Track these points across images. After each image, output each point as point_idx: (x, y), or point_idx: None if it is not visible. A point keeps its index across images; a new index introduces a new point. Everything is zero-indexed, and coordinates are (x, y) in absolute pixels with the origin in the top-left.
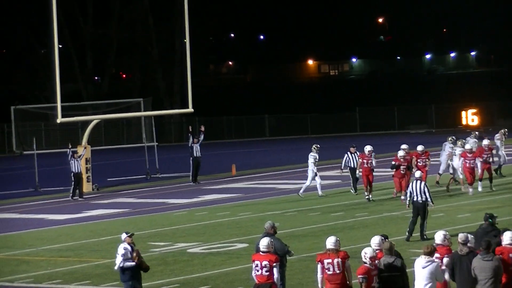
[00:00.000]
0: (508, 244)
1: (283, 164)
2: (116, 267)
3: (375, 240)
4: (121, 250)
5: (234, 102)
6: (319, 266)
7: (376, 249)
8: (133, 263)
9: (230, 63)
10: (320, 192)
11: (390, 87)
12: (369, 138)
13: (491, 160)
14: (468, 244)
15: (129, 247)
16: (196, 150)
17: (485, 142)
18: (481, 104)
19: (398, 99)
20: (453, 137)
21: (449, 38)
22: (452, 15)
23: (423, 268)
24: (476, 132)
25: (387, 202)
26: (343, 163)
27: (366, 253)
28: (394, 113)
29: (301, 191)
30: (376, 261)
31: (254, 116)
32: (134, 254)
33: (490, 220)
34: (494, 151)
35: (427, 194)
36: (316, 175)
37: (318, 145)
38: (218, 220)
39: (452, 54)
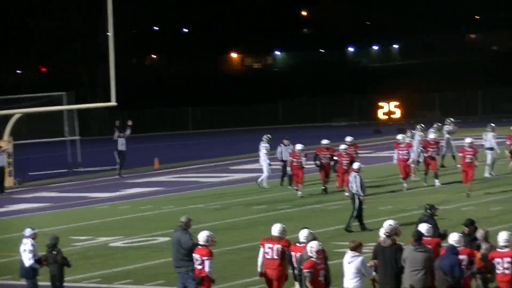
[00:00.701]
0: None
1: (206, 158)
2: (27, 264)
3: (304, 233)
4: (28, 246)
5: (158, 95)
6: (261, 249)
7: (303, 242)
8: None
9: (154, 56)
10: (265, 184)
11: (313, 79)
12: (292, 131)
13: (437, 154)
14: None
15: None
16: (122, 143)
17: (431, 136)
18: (404, 97)
19: (321, 91)
20: (422, 125)
21: (373, 31)
22: (375, 8)
23: (349, 263)
24: (422, 125)
25: (311, 195)
26: (279, 155)
27: (312, 247)
28: (317, 105)
29: (264, 184)
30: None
31: (177, 109)
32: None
33: (429, 210)
34: (442, 144)
35: (356, 186)
36: (269, 165)
37: (269, 135)
38: (141, 214)
39: (375, 47)
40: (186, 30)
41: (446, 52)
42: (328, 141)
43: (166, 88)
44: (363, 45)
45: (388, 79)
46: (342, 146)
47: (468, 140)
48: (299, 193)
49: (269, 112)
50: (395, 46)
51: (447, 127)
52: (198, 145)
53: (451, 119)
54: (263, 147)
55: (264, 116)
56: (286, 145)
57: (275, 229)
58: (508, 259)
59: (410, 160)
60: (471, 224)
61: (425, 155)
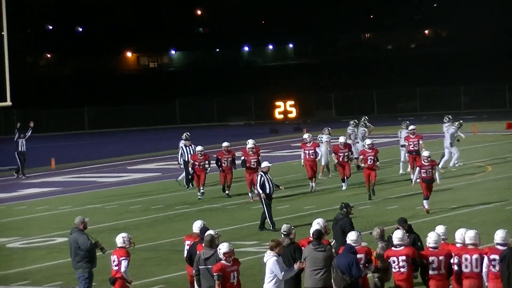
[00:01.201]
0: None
1: (103, 157)
2: None
3: (197, 224)
4: None
5: (53, 95)
6: (185, 245)
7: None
8: None
9: (49, 55)
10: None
11: (210, 79)
12: (189, 130)
13: (352, 156)
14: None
15: None
16: (22, 144)
17: (341, 139)
18: (299, 96)
19: (217, 91)
20: (329, 128)
21: (267, 30)
22: (269, 7)
23: (265, 262)
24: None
25: (208, 195)
26: (179, 156)
27: (220, 249)
28: (214, 105)
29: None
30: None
31: (73, 108)
32: None
33: (345, 209)
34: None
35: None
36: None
37: (189, 133)
38: (38, 214)
39: (271, 46)
40: (81, 29)
41: (342, 51)
42: (228, 143)
43: (61, 88)
44: (258, 44)
45: (283, 78)
46: (249, 145)
47: (368, 141)
48: (199, 194)
49: (166, 112)
50: (290, 45)
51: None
52: (95, 144)
53: (366, 117)
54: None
55: (161, 115)
56: (187, 146)
57: (195, 226)
58: (403, 258)
59: (318, 158)
60: (404, 223)
61: (336, 160)
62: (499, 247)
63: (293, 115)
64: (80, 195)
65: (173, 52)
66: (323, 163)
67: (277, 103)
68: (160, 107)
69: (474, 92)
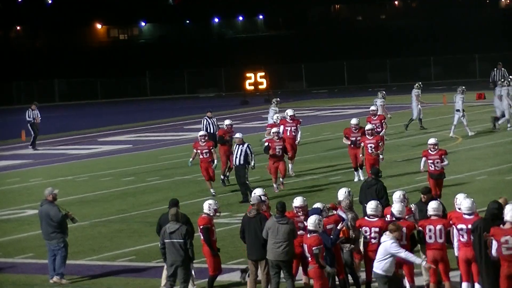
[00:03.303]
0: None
1: (74, 130)
2: None
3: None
4: None
5: (24, 67)
6: None
7: None
8: None
9: (19, 28)
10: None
11: (180, 51)
12: (160, 103)
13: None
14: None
15: None
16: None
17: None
18: (270, 67)
19: (187, 63)
20: (383, 91)
21: (238, 2)
22: None
23: (380, 243)
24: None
25: (179, 166)
26: (203, 128)
27: (211, 204)
28: (184, 77)
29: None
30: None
31: (44, 81)
32: None
33: (377, 174)
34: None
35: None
36: None
37: (278, 99)
38: (9, 187)
39: (241, 18)
40: (50, 2)
41: (312, 23)
42: (231, 121)
43: (32, 60)
44: (228, 16)
45: (254, 50)
46: (227, 122)
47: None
48: (212, 191)
49: (136, 84)
50: (260, 16)
51: (416, 91)
52: (65, 117)
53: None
54: (272, 110)
55: (131, 87)
56: (209, 117)
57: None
58: (376, 229)
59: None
60: (428, 192)
61: (348, 142)
62: (466, 216)
63: (263, 86)
64: (51, 168)
65: (143, 24)
66: (413, 117)
67: (248, 75)
68: (131, 79)
69: (444, 63)
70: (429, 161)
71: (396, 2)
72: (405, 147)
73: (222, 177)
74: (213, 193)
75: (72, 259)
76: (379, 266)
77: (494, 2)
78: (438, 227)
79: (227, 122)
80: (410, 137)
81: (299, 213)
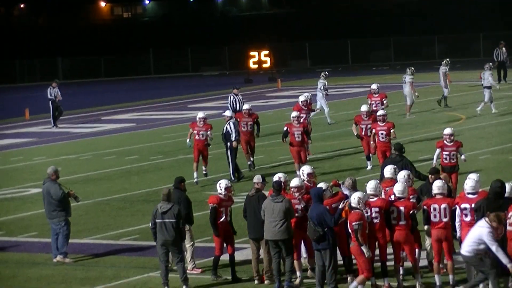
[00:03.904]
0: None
1: (78, 108)
2: None
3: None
4: None
5: (27, 45)
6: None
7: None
8: None
9: (22, 5)
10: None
11: (183, 29)
12: (163, 81)
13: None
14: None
15: None
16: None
17: (364, 108)
18: (273, 46)
19: (191, 41)
20: (412, 67)
21: None
22: None
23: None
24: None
25: (182, 145)
26: (230, 105)
27: (221, 183)
28: (188, 55)
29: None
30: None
31: (47, 59)
32: None
33: (401, 150)
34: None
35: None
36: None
37: (327, 72)
38: (12, 165)
39: None
40: None
41: (316, 1)
42: (249, 105)
43: (35, 38)
44: None
45: (258, 28)
46: (246, 106)
47: (381, 112)
48: (195, 177)
49: (140, 62)
50: None
51: (443, 68)
52: (69, 95)
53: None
54: (320, 82)
55: (135, 66)
56: (236, 95)
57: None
58: (376, 209)
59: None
60: (436, 173)
61: (356, 133)
62: (469, 196)
63: (267, 65)
64: (55, 146)
65: (147, 2)
66: (408, 103)
67: (252, 53)
68: (134, 58)
69: (449, 41)
70: (445, 153)
71: None
72: (409, 126)
73: (248, 162)
74: (196, 180)
75: (75, 238)
76: (469, 248)
77: None
78: (443, 206)
79: (245, 106)
80: (415, 115)
81: (295, 194)
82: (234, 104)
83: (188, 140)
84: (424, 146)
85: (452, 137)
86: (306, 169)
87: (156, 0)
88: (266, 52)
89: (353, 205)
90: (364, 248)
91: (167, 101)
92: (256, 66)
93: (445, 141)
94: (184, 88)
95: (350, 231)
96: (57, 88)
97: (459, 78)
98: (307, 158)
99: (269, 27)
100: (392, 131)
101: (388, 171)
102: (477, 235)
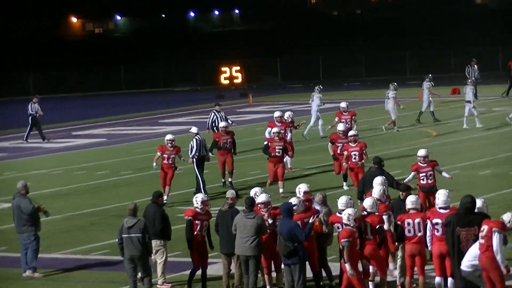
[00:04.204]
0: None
1: (48, 123)
2: None
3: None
4: None
5: None
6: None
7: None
8: None
9: None
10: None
11: (155, 45)
12: (134, 96)
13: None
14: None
15: None
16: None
17: (341, 127)
18: (245, 61)
19: (163, 57)
20: (395, 83)
21: None
22: None
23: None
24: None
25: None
26: (210, 122)
27: (197, 197)
28: (159, 71)
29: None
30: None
31: (18, 73)
32: None
33: (380, 163)
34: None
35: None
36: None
37: (321, 86)
38: None
39: (216, 12)
40: None
41: (288, 17)
42: (226, 123)
43: (5, 52)
44: (204, 10)
45: (229, 44)
46: (222, 124)
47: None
48: (165, 198)
49: (111, 78)
50: (236, 11)
51: (427, 84)
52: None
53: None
54: (316, 97)
55: (106, 81)
56: (218, 111)
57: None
58: None
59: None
60: (407, 189)
61: (332, 153)
62: (441, 210)
63: (238, 80)
64: (25, 161)
65: (118, 17)
66: (393, 118)
67: (223, 69)
68: (105, 73)
69: (420, 57)
70: (421, 174)
71: None
72: (380, 141)
73: (223, 180)
74: (165, 201)
75: (45, 253)
76: (468, 264)
77: None
78: (417, 220)
79: (222, 124)
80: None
81: (262, 210)
82: (216, 121)
83: (154, 164)
84: (395, 161)
85: (426, 159)
86: (302, 187)
87: (128, 16)
88: (238, 67)
89: (344, 221)
90: (347, 266)
91: (138, 117)
92: (227, 81)
93: (419, 163)
94: (155, 103)
95: (340, 247)
96: (37, 103)
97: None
98: (291, 172)
99: (241, 43)
100: (364, 151)
101: (377, 182)
102: (476, 251)
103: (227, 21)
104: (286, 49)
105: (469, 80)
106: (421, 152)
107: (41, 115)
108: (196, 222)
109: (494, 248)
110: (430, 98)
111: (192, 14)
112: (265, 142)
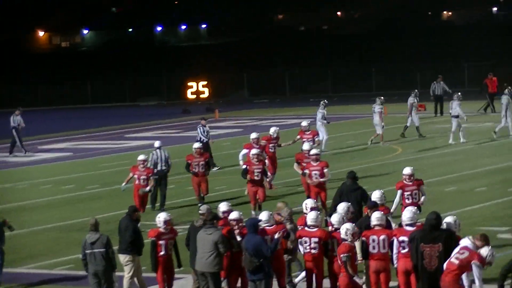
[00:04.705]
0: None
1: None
2: None
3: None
4: None
5: None
6: None
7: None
8: None
9: None
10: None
11: (122, 59)
12: (101, 110)
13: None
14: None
15: None
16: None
17: (306, 147)
18: (212, 76)
19: (129, 71)
20: (381, 97)
21: (180, 11)
22: None
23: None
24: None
25: (119, 175)
26: (200, 135)
27: (160, 217)
28: (126, 85)
29: (322, 147)
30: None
31: None
32: None
33: (355, 177)
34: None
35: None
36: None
37: (326, 101)
38: None
39: (183, 26)
40: None
41: (254, 32)
42: (200, 144)
43: None
44: (171, 24)
45: (196, 58)
46: (196, 145)
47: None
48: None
49: (77, 92)
50: (203, 25)
51: (412, 99)
52: (5, 123)
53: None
54: (320, 112)
55: (73, 95)
56: (204, 125)
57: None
58: (316, 239)
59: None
60: (375, 207)
61: (300, 171)
62: (407, 228)
63: (205, 95)
64: None
65: (85, 31)
66: (379, 132)
67: (189, 84)
68: (72, 87)
69: (386, 73)
70: (406, 193)
71: (338, 13)
72: (345, 157)
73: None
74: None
75: (9, 267)
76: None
77: (436, 14)
78: (382, 237)
79: (196, 145)
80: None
81: (234, 227)
82: (203, 135)
83: (124, 184)
84: (361, 176)
85: (412, 177)
86: (309, 202)
87: (95, 30)
88: (204, 82)
89: (342, 236)
90: (356, 279)
91: (104, 131)
92: (194, 96)
93: (404, 181)
94: (121, 118)
95: (339, 262)
96: (20, 116)
97: (396, 110)
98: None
99: (208, 57)
100: (325, 171)
101: (376, 196)
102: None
103: (194, 35)
104: (253, 64)
105: (456, 95)
106: (407, 171)
107: (23, 127)
108: (160, 242)
109: (476, 282)
110: (414, 114)
111: (159, 28)
112: (244, 166)
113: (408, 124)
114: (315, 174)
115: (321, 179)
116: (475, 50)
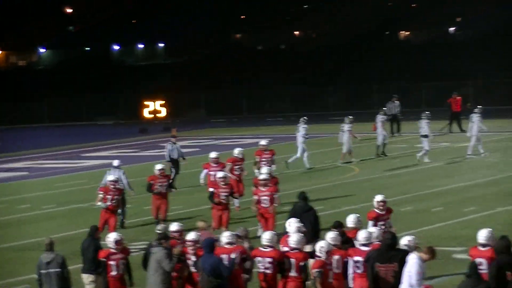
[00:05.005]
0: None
1: None
2: None
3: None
4: None
5: None
6: None
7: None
8: None
9: None
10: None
11: (79, 78)
12: (57, 129)
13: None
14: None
15: None
16: None
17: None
18: (169, 95)
19: (86, 90)
20: (350, 117)
21: (138, 29)
22: (139, 6)
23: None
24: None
25: (75, 194)
26: (167, 153)
27: (109, 238)
28: (83, 104)
29: (307, 165)
30: None
31: None
32: None
33: (306, 198)
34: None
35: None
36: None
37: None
38: None
39: (141, 45)
40: None
41: (212, 52)
42: (163, 166)
43: None
44: (128, 44)
45: (153, 77)
46: (158, 166)
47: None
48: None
49: (34, 110)
50: (161, 44)
51: (381, 117)
52: None
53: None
54: (303, 128)
55: (29, 114)
56: (174, 143)
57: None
58: (269, 259)
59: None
60: (340, 227)
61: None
62: (362, 248)
63: (162, 114)
64: None
65: (42, 50)
66: (344, 151)
67: (146, 103)
68: (28, 106)
69: (343, 92)
70: (380, 222)
71: (296, 32)
72: (302, 177)
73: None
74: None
75: None
76: None
77: (393, 34)
78: (336, 257)
79: (158, 167)
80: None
81: (189, 248)
82: (171, 153)
83: (100, 203)
84: (315, 196)
85: (384, 204)
86: (293, 221)
87: (52, 49)
88: (162, 101)
89: (316, 253)
90: None
91: (60, 150)
92: (151, 115)
93: (377, 210)
94: (78, 136)
95: (312, 278)
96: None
97: (355, 130)
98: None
99: (165, 76)
100: (276, 196)
101: (351, 220)
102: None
103: (151, 54)
104: (210, 84)
105: (423, 114)
106: (379, 197)
107: None
108: (110, 263)
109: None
110: (384, 132)
111: (116, 47)
112: (210, 189)
113: (379, 143)
114: (265, 200)
115: (270, 207)
116: (431, 69)
